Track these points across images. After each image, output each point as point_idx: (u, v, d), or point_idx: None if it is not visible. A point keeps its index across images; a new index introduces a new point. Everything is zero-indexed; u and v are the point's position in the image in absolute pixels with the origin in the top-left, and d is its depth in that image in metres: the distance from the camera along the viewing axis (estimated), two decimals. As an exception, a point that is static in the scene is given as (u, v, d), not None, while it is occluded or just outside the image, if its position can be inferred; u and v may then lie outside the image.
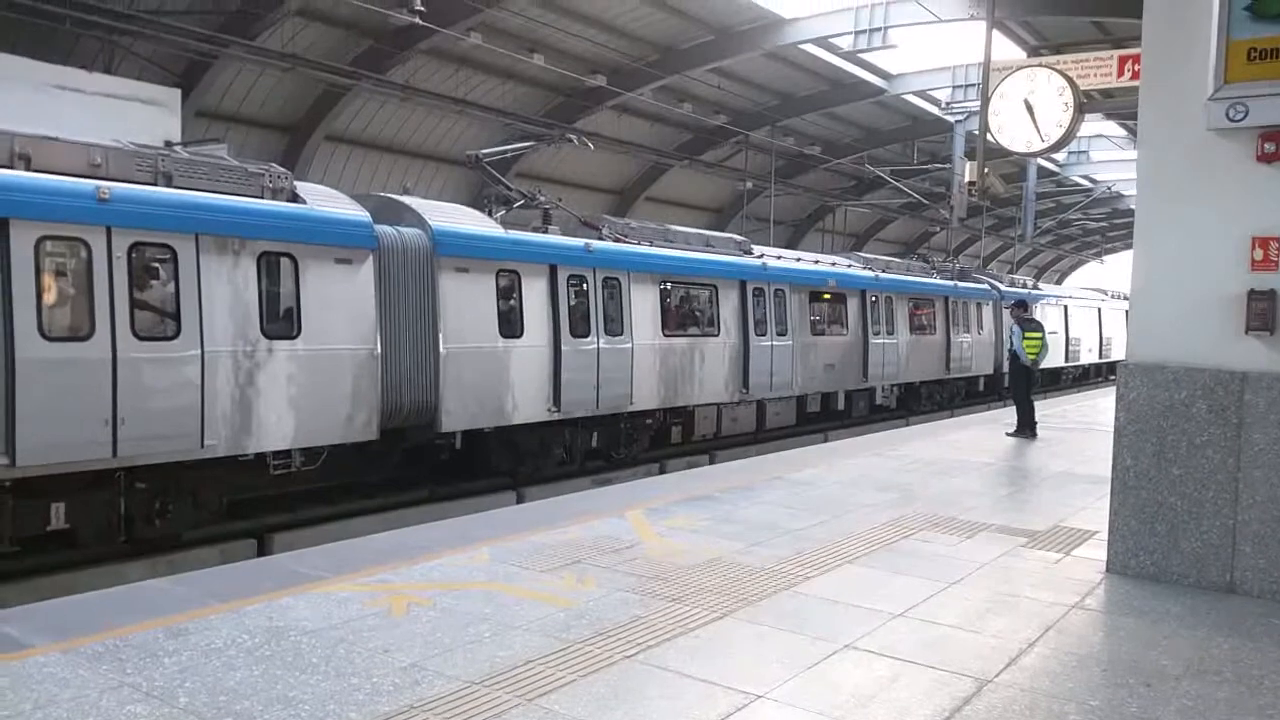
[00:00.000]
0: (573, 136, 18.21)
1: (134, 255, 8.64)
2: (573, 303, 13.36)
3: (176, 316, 8.89)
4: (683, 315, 15.94)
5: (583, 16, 22.68)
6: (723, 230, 25.80)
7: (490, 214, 13.43)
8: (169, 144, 10.48)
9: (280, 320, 9.82)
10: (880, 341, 21.07)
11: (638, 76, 25.52)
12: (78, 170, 8.46)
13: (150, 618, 5.25)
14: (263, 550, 9.90)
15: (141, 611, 5.37)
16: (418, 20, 18.50)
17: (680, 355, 15.28)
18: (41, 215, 7.98)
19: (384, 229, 11.07)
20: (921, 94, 30.07)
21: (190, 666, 4.60)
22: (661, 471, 14.55)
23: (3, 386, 7.63)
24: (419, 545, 7.00)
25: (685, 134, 31.30)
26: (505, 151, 16.61)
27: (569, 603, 5.68)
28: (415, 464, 12.66)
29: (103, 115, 15.41)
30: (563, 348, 13.02)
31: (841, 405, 20.25)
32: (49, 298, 8.16)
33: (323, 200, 10.59)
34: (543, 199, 14.70)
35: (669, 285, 15.44)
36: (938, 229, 45.97)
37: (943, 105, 30.08)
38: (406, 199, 12.29)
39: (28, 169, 8.10)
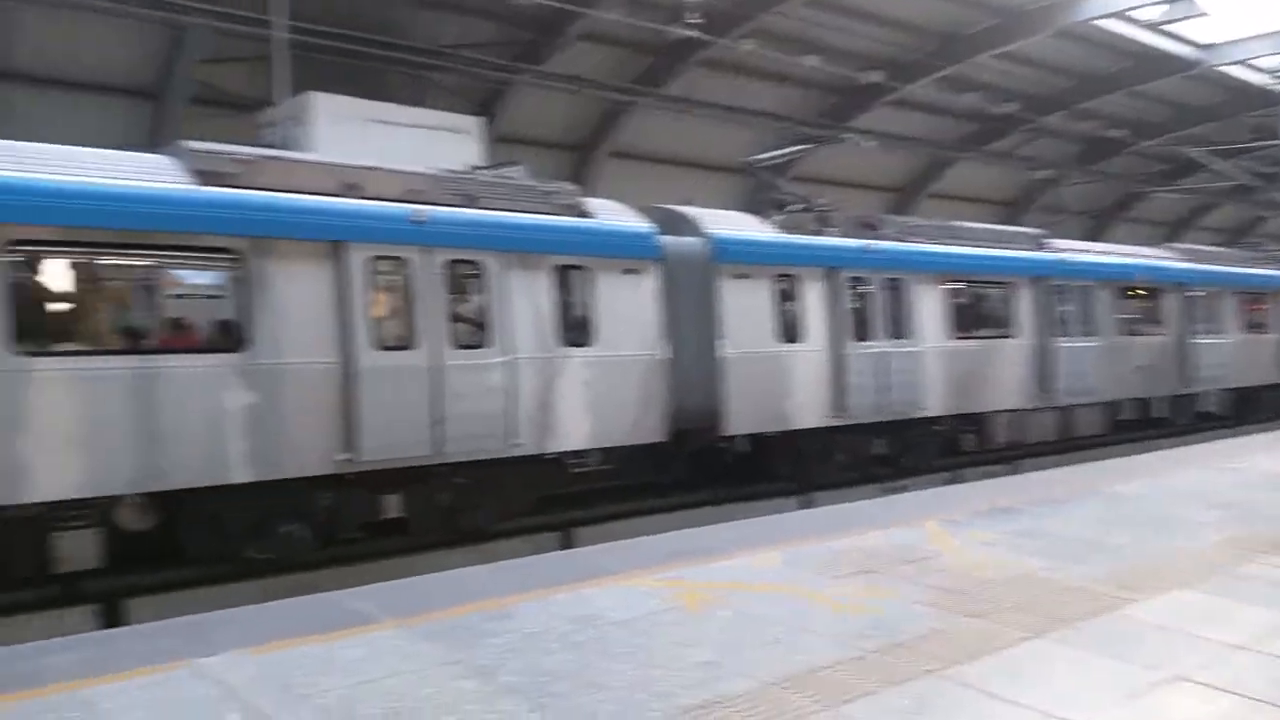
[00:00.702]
0: (849, 136, 17.89)
1: (449, 272, 9.47)
2: (853, 305, 13.12)
3: (486, 326, 9.65)
4: (974, 316, 15.19)
5: (858, 12, 22.24)
6: (1016, 224, 24.33)
7: (767, 219, 13.49)
8: (473, 168, 11.39)
9: (575, 329, 10.40)
10: (1203, 341, 18.99)
11: (916, 69, 24.66)
12: (399, 196, 9.39)
13: (475, 601, 5.73)
14: (566, 543, 10.52)
15: (467, 595, 5.87)
16: (694, 33, 18.94)
17: (972, 358, 14.57)
18: (372, 238, 8.93)
19: (667, 239, 11.43)
20: (1243, 64, 26.81)
21: (511, 648, 4.97)
22: (954, 482, 13.93)
23: (346, 392, 8.62)
24: (712, 546, 7.14)
25: (969, 125, 29.84)
26: (780, 156, 16.61)
27: (863, 610, 5.57)
28: (702, 466, 12.94)
29: (416, 145, 17.02)
30: (844, 352, 12.82)
31: (1159, 413, 18.42)
32: (379, 312, 9.12)
33: (610, 214, 11.09)
34: (819, 201, 14.56)
35: (957, 285, 14.78)
36: (1272, 214, 40.77)
37: (1272, 74, 26.68)
38: (686, 209, 12.61)
39: (359, 197, 9.09)
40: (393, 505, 9.25)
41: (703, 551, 6.95)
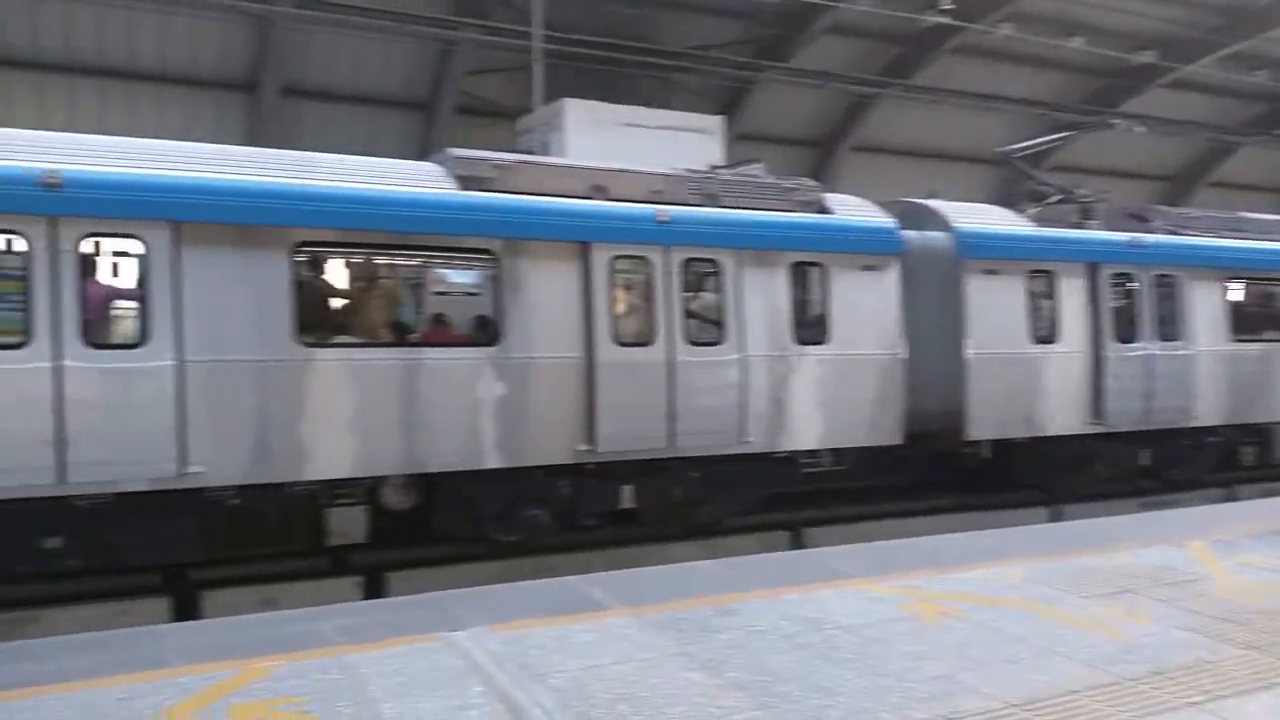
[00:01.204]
0: (1117, 121, 16.55)
1: (686, 270, 9.63)
2: (1117, 304, 12.13)
3: (721, 324, 9.73)
4: (1259, 317, 13.64)
5: (1129, -13, 20.55)
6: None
7: (1022, 212, 12.72)
8: (714, 167, 11.49)
9: (810, 326, 10.27)
10: None
11: (1197, 46, 22.43)
12: (642, 197, 9.64)
13: (703, 595, 5.81)
14: (797, 543, 10.44)
15: (696, 588, 5.97)
16: (946, 20, 18.17)
17: (1254, 364, 13.10)
18: (615, 238, 9.23)
19: (909, 234, 11.05)
20: None
21: (737, 644, 5.00)
22: (1228, 500, 12.58)
23: (587, 386, 8.98)
24: (950, 554, 6.86)
25: (1257, 106, 26.80)
26: (1037, 145, 15.61)
27: (1117, 634, 5.16)
28: (942, 471, 12.42)
29: (661, 145, 17.44)
30: (1105, 354, 11.88)
31: None
32: (620, 309, 9.41)
33: (850, 209, 10.86)
34: (1080, 192, 13.56)
35: (1240, 282, 13.31)
36: None
37: None
38: (931, 202, 12.13)
39: (605, 199, 9.42)
40: (627, 496, 9.52)
41: (940, 560, 6.68)
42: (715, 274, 9.82)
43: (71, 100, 17.87)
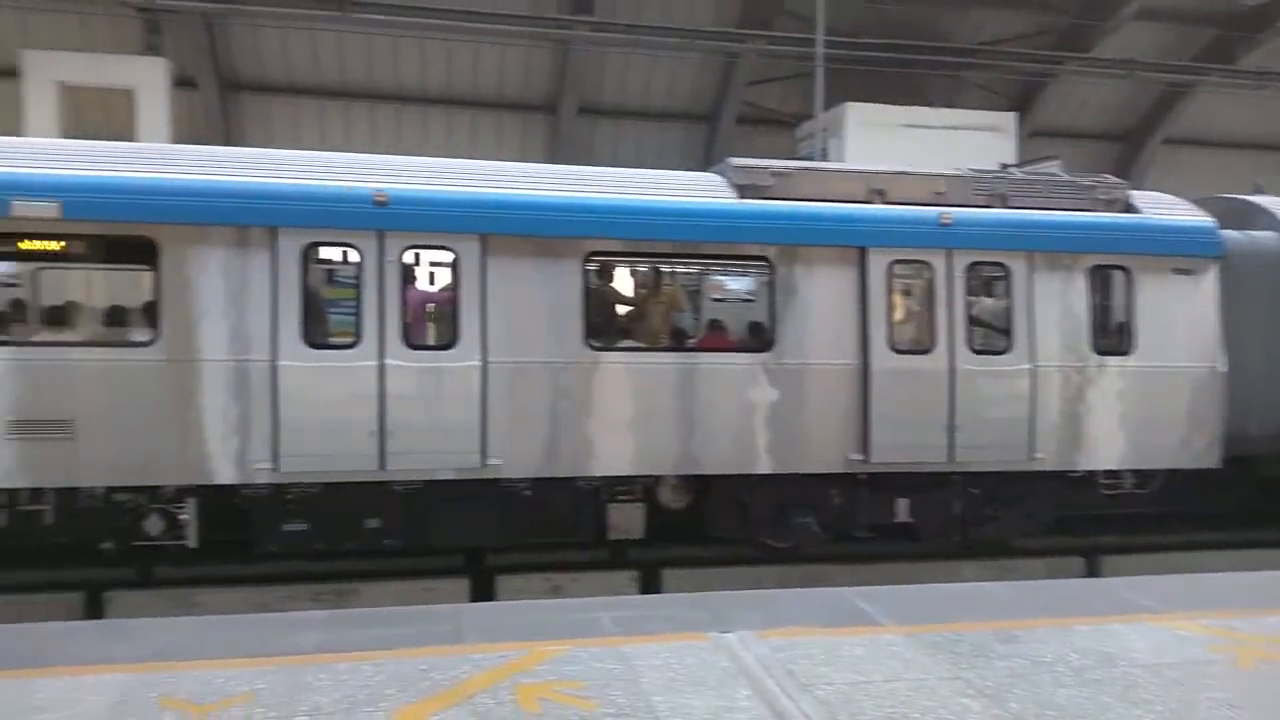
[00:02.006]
0: None
1: (971, 274, 9.20)
2: None
3: (1008, 332, 9.21)
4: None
5: None
6: None
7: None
8: (1004, 166, 10.90)
9: (1111, 335, 9.48)
10: None
11: None
12: (923, 199, 9.32)
13: (983, 618, 5.54)
14: (1090, 570, 9.67)
15: (976, 611, 5.70)
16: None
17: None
18: (893, 242, 8.99)
19: (1231, 234, 9.90)
20: None
21: (1020, 673, 4.73)
22: None
23: (861, 394, 8.82)
24: (1274, 593, 6.09)
25: None
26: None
27: None
28: (1271, 500, 11.01)
29: (945, 146, 16.79)
30: None
31: None
32: (897, 315, 9.16)
33: (1159, 208, 9.90)
34: None
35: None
36: None
37: None
38: (1259, 199, 10.80)
39: (884, 202, 9.20)
40: (902, 509, 9.24)
41: (1262, 599, 5.95)
42: (1003, 278, 9.31)
43: (397, 125, 19.99)
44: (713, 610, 5.81)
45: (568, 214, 8.33)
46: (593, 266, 8.62)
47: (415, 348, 8.15)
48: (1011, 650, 5.04)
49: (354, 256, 8.08)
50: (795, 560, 9.17)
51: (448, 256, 8.26)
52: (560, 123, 20.08)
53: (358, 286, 8.05)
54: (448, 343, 8.22)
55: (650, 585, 8.84)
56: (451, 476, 8.13)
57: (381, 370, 7.95)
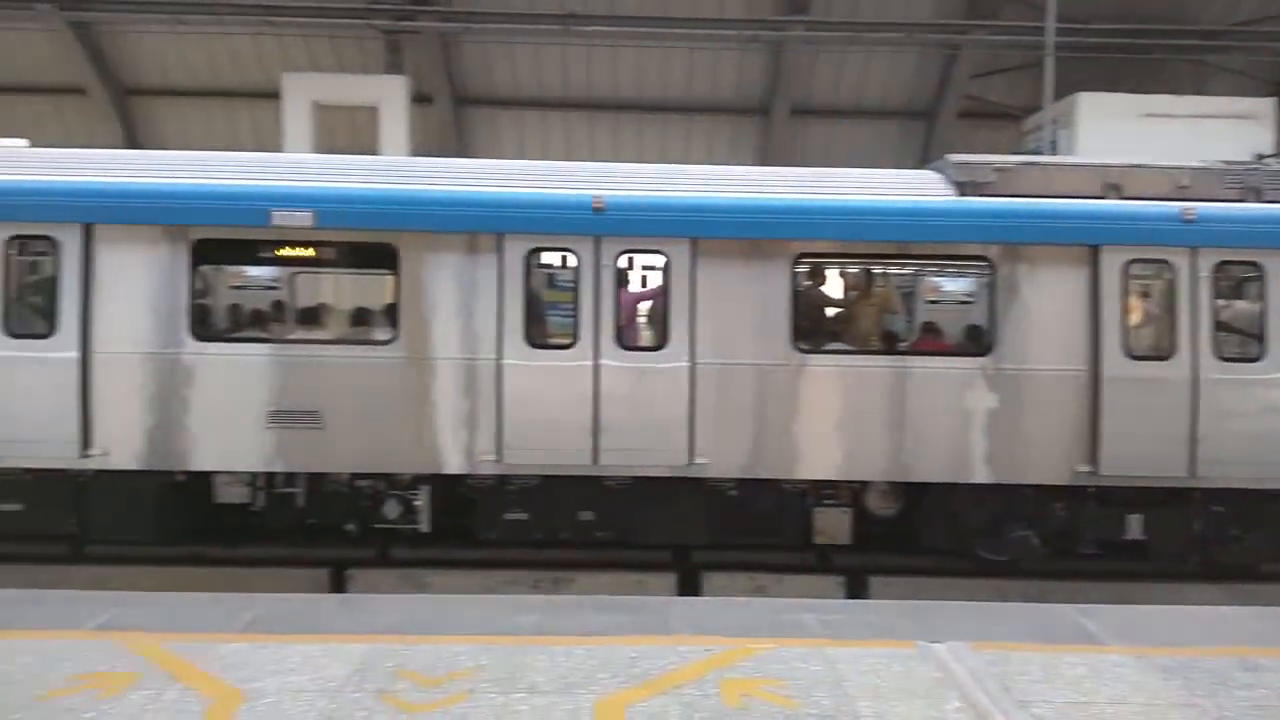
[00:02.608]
0: None
1: (1218, 274, 8.46)
2: None
3: (1261, 337, 8.40)
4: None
5: None
6: None
7: None
8: (1260, 157, 9.94)
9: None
10: None
11: None
12: (1164, 194, 8.66)
13: (1222, 644, 5.11)
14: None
15: (1214, 636, 5.28)
16: None
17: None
18: (1129, 240, 8.41)
19: None
20: None
21: (1264, 705, 4.35)
22: None
23: (1091, 402, 8.30)
24: None
25: None
26: None
27: None
28: None
29: (1190, 137, 15.48)
30: None
31: None
32: (1133, 318, 8.55)
33: None
34: None
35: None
36: None
37: None
38: None
39: (1119, 198, 8.62)
40: (1135, 526, 8.61)
41: None
42: (1258, 279, 8.49)
43: (614, 133, 20.63)
44: (921, 619, 5.67)
45: (777, 216, 8.33)
46: (802, 268, 8.58)
47: (628, 348, 8.41)
48: (1255, 679, 4.63)
49: (572, 261, 8.44)
50: (1011, 575, 8.75)
51: (659, 260, 8.46)
52: (772, 125, 20.06)
53: (575, 290, 8.40)
54: (658, 344, 8.42)
55: (856, 592, 8.69)
56: (660, 474, 8.33)
57: (596, 370, 8.25)
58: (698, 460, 8.26)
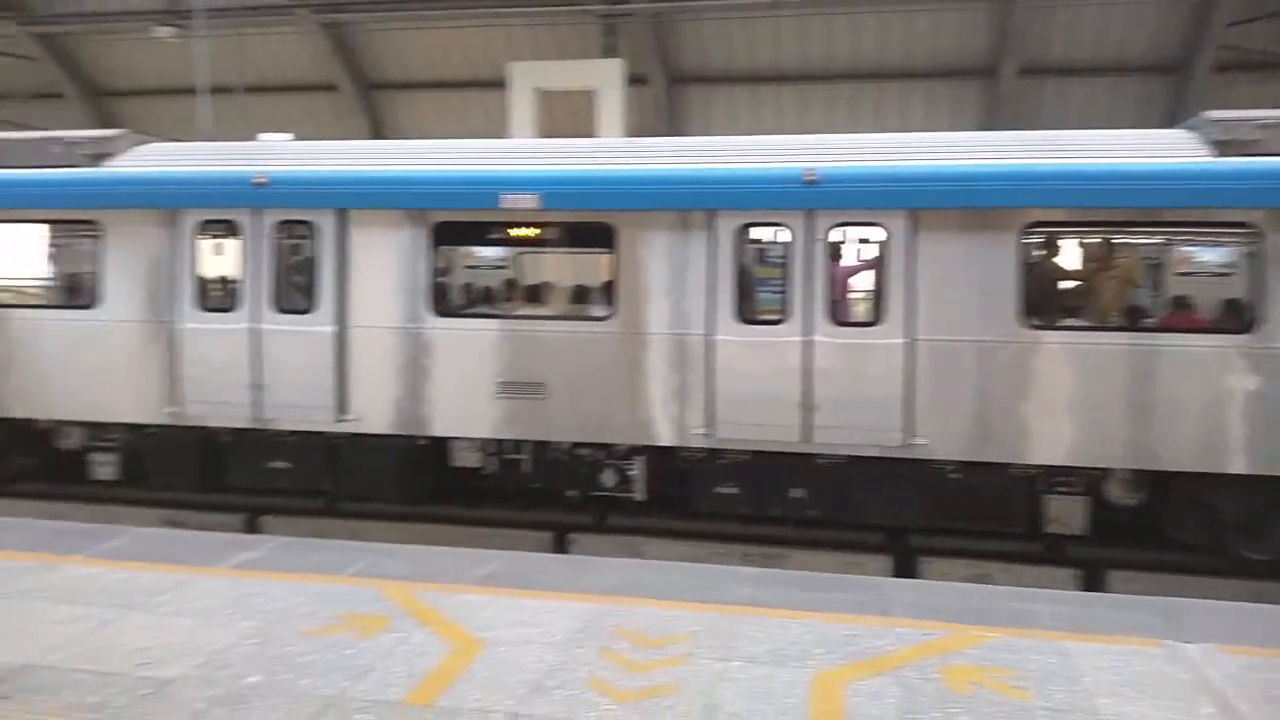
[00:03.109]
0: None
1: None
2: None
3: None
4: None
5: None
6: None
7: None
8: None
9: None
10: None
11: None
12: None
13: None
14: None
15: None
16: None
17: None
18: None
19: None
20: None
21: None
22: None
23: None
24: None
25: None
26: None
27: None
28: None
29: None
30: None
31: None
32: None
33: None
34: None
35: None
36: None
37: None
38: None
39: None
40: None
41: None
42: None
43: (828, 104, 20.21)
44: (1167, 616, 5.29)
45: (1005, 183, 7.91)
46: (1033, 239, 8.11)
47: (841, 324, 8.26)
48: None
49: (784, 235, 8.37)
50: (1273, 576, 7.96)
51: (875, 233, 8.25)
52: (999, 86, 19.00)
53: (786, 264, 8.33)
54: (873, 319, 8.22)
55: (1092, 586, 8.17)
56: (874, 454, 8.15)
57: (808, 346, 8.17)
58: (915, 440, 8.02)
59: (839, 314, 8.37)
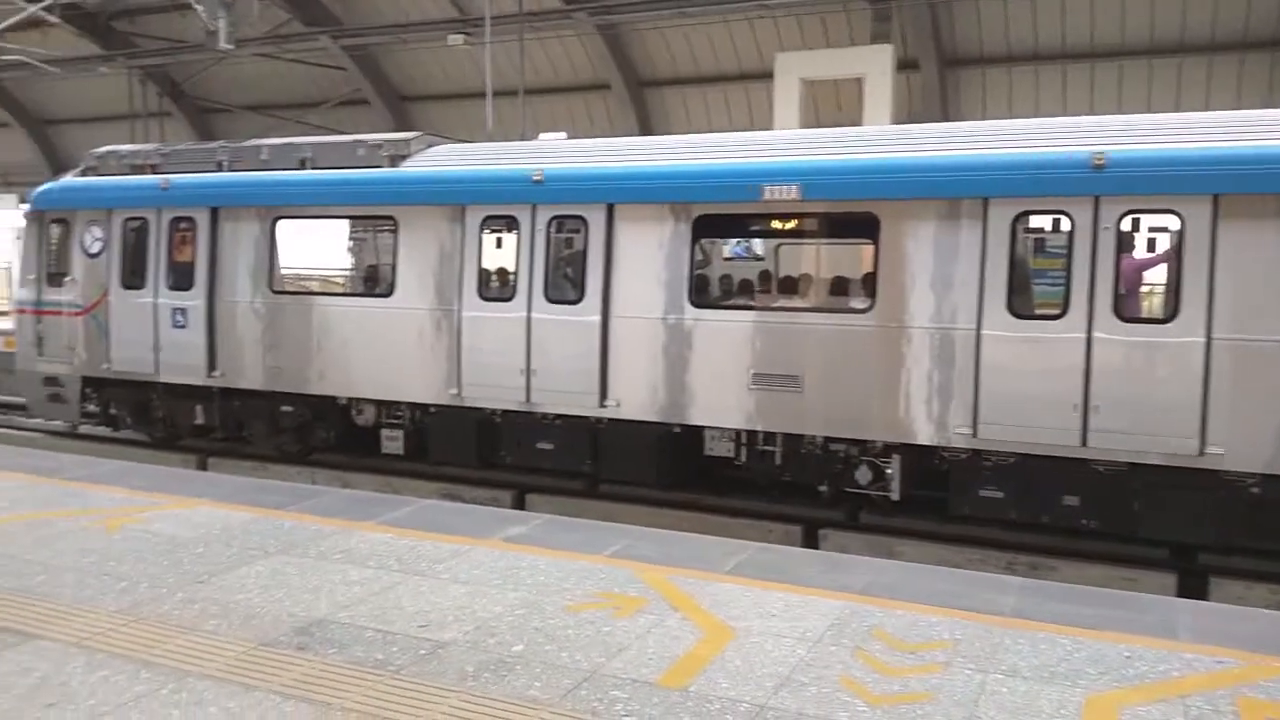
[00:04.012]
0: None
1: None
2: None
3: None
4: None
5: None
6: None
7: None
8: None
9: None
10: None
11: None
12: None
13: None
14: None
15: None
16: None
17: None
18: None
19: None
20: None
21: None
22: None
23: None
24: None
25: None
26: None
27: None
28: None
29: None
30: None
31: None
32: None
33: None
34: None
35: None
36: None
37: None
38: None
39: None
40: None
41: None
42: None
43: (1117, 83, 18.63)
44: None
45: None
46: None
47: (1128, 320, 7.63)
48: None
49: (1065, 224, 7.83)
50: None
51: (1171, 221, 7.54)
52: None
53: (1067, 256, 7.79)
54: (1167, 316, 7.53)
55: None
56: (1161, 462, 7.47)
57: (1089, 343, 7.61)
58: (1210, 450, 7.29)
59: (1126, 309, 7.73)
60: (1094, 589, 6.15)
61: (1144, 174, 7.49)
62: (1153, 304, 8.14)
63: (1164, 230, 7.75)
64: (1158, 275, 8.04)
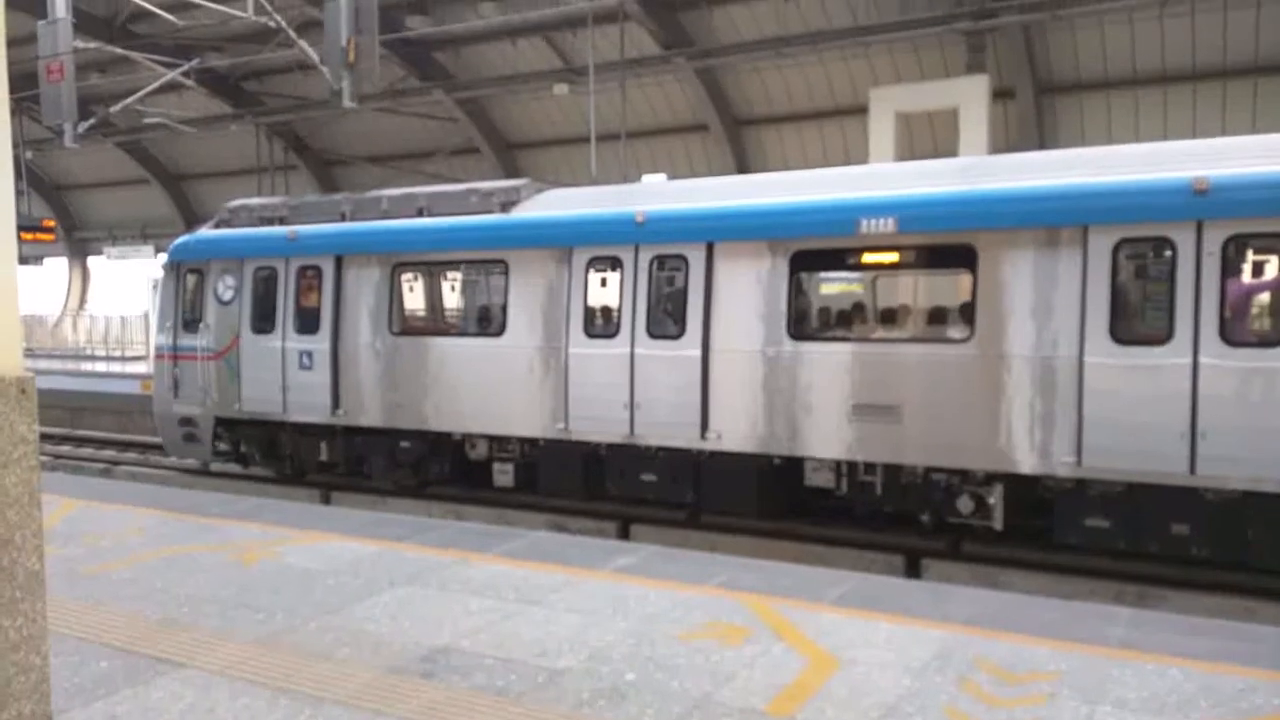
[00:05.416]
0: None
1: None
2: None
3: None
4: None
5: None
6: None
7: None
8: None
9: None
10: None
11: None
12: None
13: None
14: None
15: None
16: None
17: None
18: None
19: None
20: None
21: None
22: None
23: None
24: None
25: None
26: None
27: None
28: None
29: None
30: None
31: None
32: None
33: None
34: None
35: None
36: None
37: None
38: None
39: None
40: None
41: None
42: None
43: (1220, 104, 18.12)
44: None
45: None
46: None
47: (1236, 344, 7.54)
48: None
49: (1166, 250, 7.79)
50: None
51: (1276, 244, 7.44)
52: None
53: (1170, 281, 7.74)
54: (1275, 339, 7.41)
55: None
56: (1274, 490, 7.32)
57: (1195, 368, 7.53)
58: (1328, 477, 7.11)
59: (1234, 333, 7.63)
60: (1206, 619, 6.08)
61: (1251, 198, 7.42)
62: (1261, 327, 8.01)
63: (1270, 253, 7.65)
64: (1263, 298, 7.92)
